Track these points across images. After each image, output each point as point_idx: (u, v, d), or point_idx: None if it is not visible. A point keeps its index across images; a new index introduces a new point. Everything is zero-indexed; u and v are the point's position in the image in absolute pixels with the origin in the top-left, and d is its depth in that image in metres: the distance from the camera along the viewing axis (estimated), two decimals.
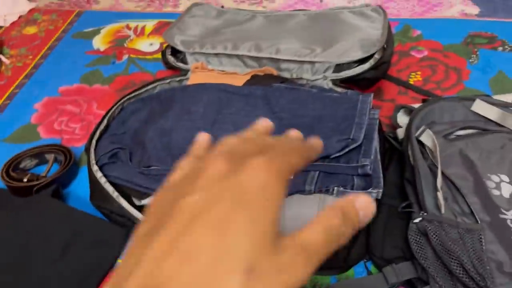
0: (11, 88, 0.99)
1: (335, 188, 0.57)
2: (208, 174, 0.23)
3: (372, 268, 0.62)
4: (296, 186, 0.59)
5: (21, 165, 0.79)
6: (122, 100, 0.79)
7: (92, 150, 0.69)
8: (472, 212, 0.57)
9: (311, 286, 0.61)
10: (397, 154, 0.72)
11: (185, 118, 0.70)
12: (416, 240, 0.57)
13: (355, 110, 0.64)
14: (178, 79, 0.85)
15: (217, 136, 0.66)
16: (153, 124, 0.71)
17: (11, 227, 0.67)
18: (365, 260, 0.63)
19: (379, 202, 0.63)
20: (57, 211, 0.68)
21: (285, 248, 0.21)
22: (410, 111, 0.76)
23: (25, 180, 0.74)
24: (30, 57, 1.08)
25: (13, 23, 1.22)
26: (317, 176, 0.59)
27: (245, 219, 0.20)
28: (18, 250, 0.64)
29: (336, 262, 0.60)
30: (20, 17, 1.25)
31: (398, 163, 0.71)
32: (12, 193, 0.74)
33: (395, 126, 0.78)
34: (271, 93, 0.70)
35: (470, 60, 0.93)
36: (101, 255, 0.65)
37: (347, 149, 0.59)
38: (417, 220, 0.57)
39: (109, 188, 0.65)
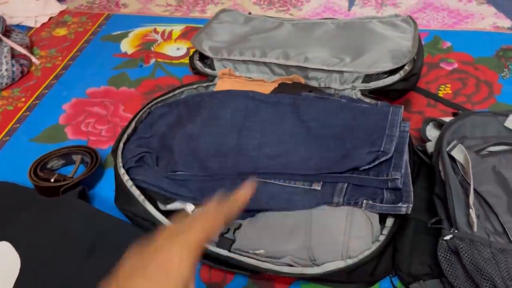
0: (40, 89, 1.01)
1: (364, 201, 0.56)
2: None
3: (398, 284, 0.61)
4: (324, 197, 0.58)
5: (49, 165, 0.80)
6: (150, 104, 0.79)
7: (119, 153, 0.70)
8: (505, 231, 0.55)
9: None
10: (426, 168, 0.71)
11: (213, 124, 0.70)
12: (446, 257, 0.55)
13: (385, 122, 0.63)
14: (205, 84, 0.85)
15: (243, 143, 0.67)
16: (180, 129, 0.72)
17: (38, 227, 0.67)
18: (391, 276, 0.61)
19: (406, 217, 0.62)
20: (83, 213, 0.68)
21: None
22: (439, 125, 0.75)
23: (52, 180, 0.75)
24: (60, 58, 1.10)
25: (43, 25, 1.24)
26: (346, 188, 0.58)
27: None
28: (44, 250, 0.65)
29: (362, 276, 0.59)
30: (50, 18, 1.27)
31: (427, 177, 0.69)
32: (39, 192, 0.75)
33: (424, 139, 0.77)
34: (299, 102, 0.70)
35: (502, 74, 0.91)
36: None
37: (377, 162, 0.58)
38: (447, 237, 0.55)
39: (135, 192, 0.65)
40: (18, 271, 0.62)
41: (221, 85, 0.84)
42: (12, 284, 0.61)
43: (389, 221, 0.58)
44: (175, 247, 0.34)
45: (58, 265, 0.63)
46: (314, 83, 0.81)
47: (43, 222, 0.68)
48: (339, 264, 0.55)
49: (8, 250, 0.64)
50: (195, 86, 0.85)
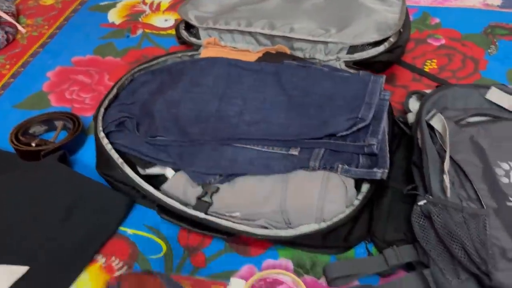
0: (25, 56, 1.00)
1: (340, 165, 0.57)
2: None
3: (373, 250, 0.61)
4: (301, 162, 0.58)
5: (31, 131, 0.79)
6: (133, 71, 0.79)
7: (100, 117, 0.70)
8: (478, 198, 0.55)
9: (310, 264, 0.61)
10: (406, 139, 0.71)
11: (194, 90, 0.70)
12: (419, 222, 0.56)
13: (365, 90, 0.63)
14: (190, 53, 0.85)
15: (224, 110, 0.67)
16: (161, 95, 0.71)
17: (18, 189, 0.67)
18: (367, 242, 0.62)
19: (384, 185, 0.63)
20: (63, 176, 0.69)
21: None
22: (422, 97, 0.75)
23: (33, 144, 0.75)
24: (46, 27, 1.09)
25: None
26: (323, 153, 0.58)
27: None
28: (23, 211, 0.65)
29: (336, 241, 0.59)
30: None
31: (407, 148, 0.69)
32: (20, 157, 0.75)
33: (406, 111, 0.77)
34: (282, 70, 0.69)
35: (489, 51, 0.91)
36: (104, 221, 0.65)
37: (355, 128, 0.59)
38: (421, 203, 0.56)
39: (114, 155, 0.65)
40: None
41: (205, 54, 0.83)
42: None
43: (365, 187, 0.59)
44: None
45: (37, 226, 0.64)
46: (299, 54, 0.81)
47: (23, 183, 0.68)
48: (313, 226, 0.56)
49: None
50: (179, 55, 0.84)
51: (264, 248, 0.63)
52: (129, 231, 0.66)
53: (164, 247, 0.64)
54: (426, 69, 0.88)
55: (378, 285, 0.57)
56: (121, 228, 0.66)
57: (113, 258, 0.63)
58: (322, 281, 0.59)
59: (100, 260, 0.63)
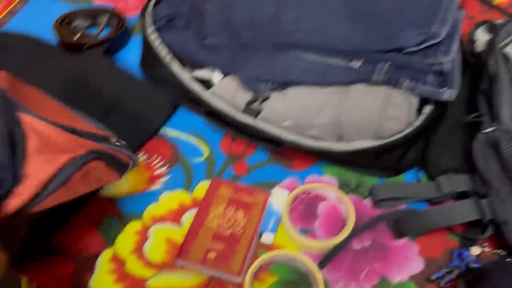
0: None
1: (406, 81, 0.53)
2: None
3: (423, 178, 0.59)
4: (362, 74, 0.54)
5: (74, 24, 0.76)
6: None
7: (148, 11, 0.66)
8: None
9: (356, 184, 0.59)
10: (469, 71, 0.66)
11: None
12: (482, 151, 0.53)
13: (439, 6, 0.57)
14: None
15: (281, 15, 0.62)
16: None
17: (60, 79, 0.65)
18: (418, 169, 0.59)
19: (443, 114, 0.59)
20: (107, 70, 0.66)
21: None
22: (492, 28, 0.69)
23: (76, 37, 0.72)
24: None
25: None
26: (387, 68, 0.54)
27: None
28: (64, 101, 0.63)
29: (388, 162, 0.56)
30: None
31: (470, 79, 0.65)
32: (62, 47, 0.72)
33: (473, 41, 0.71)
34: None
35: None
36: (146, 120, 0.64)
37: (425, 44, 0.54)
38: (488, 130, 0.52)
39: (162, 51, 0.62)
40: None
41: None
42: None
43: (427, 108, 0.55)
44: None
45: None
46: None
47: (66, 73, 0.66)
48: (368, 143, 0.53)
49: None
50: None
51: (309, 163, 0.61)
52: (172, 132, 0.64)
53: (207, 152, 0.62)
54: (495, 2, 0.81)
55: (429, 209, 0.54)
56: (164, 129, 0.65)
57: (154, 156, 0.62)
58: (367, 201, 0.57)
59: (142, 157, 0.62)
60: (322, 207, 0.57)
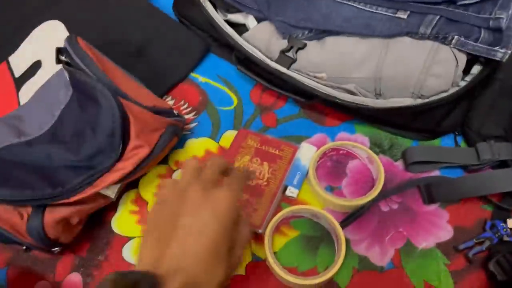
0: None
1: (456, 36, 0.48)
2: (193, 200, 0.36)
3: (462, 143, 0.55)
4: (409, 26, 0.50)
5: None
6: None
7: None
8: None
9: (389, 145, 0.56)
10: None
11: None
12: None
13: None
14: None
15: None
16: None
17: (92, 10, 0.64)
18: (456, 133, 0.56)
19: (492, 76, 0.54)
20: (140, 7, 0.64)
21: None
22: None
23: None
24: None
25: None
26: (437, 21, 0.50)
27: (213, 227, 0.34)
28: (95, 36, 0.61)
29: (427, 124, 0.53)
30: None
31: None
32: None
33: None
34: None
35: None
36: (177, 62, 0.62)
37: None
38: None
39: None
40: None
41: None
42: None
43: (476, 69, 0.51)
44: (222, 191, 0.36)
45: (109, 56, 0.61)
46: None
47: (98, 7, 0.64)
48: (407, 101, 0.50)
49: (60, 28, 0.62)
50: None
51: (341, 120, 0.58)
52: (201, 78, 0.62)
53: (235, 101, 0.60)
54: None
55: (466, 175, 0.51)
56: (193, 74, 0.63)
57: (182, 101, 0.60)
58: (399, 163, 0.55)
59: (170, 101, 0.60)
60: (351, 166, 0.55)
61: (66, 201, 0.42)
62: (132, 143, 0.44)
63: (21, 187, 0.42)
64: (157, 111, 0.48)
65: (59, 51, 0.46)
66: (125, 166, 0.44)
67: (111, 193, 0.47)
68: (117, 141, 0.43)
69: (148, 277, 0.30)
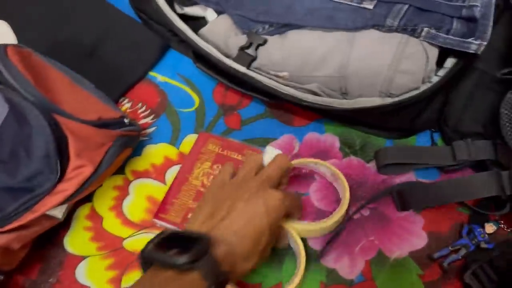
0: None
1: (425, 28, 0.44)
2: (251, 190, 0.40)
3: (439, 141, 0.52)
4: (375, 18, 0.46)
5: None
6: None
7: None
8: None
9: (360, 145, 0.52)
10: (508, 15, 0.56)
11: None
12: (509, 114, 0.45)
13: None
14: None
15: None
16: None
17: (42, 11, 0.59)
18: (433, 130, 0.52)
19: (469, 64, 0.50)
20: (92, 4, 0.60)
21: None
22: None
23: None
24: None
25: None
26: (405, 11, 0.45)
27: (262, 219, 0.38)
28: (44, 37, 0.57)
29: (399, 122, 0.49)
30: None
31: (508, 25, 0.55)
32: None
33: None
34: None
35: None
36: (133, 61, 0.57)
37: None
38: None
39: None
40: None
41: None
42: None
43: (450, 62, 0.46)
44: (277, 192, 0.40)
45: (62, 56, 0.56)
46: None
47: (47, 6, 0.59)
48: (375, 101, 0.46)
49: (5, 30, 0.57)
50: None
51: (310, 119, 0.54)
52: (160, 77, 0.58)
53: (197, 101, 0.56)
54: None
55: (441, 181, 0.48)
56: (151, 73, 0.58)
57: (140, 104, 0.56)
58: (371, 165, 0.51)
59: (126, 104, 0.56)
60: (317, 177, 0.51)
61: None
62: (73, 163, 0.40)
63: None
64: (103, 124, 0.44)
65: None
66: (67, 187, 0.40)
67: (58, 213, 0.44)
68: (54, 162, 0.39)
69: (202, 235, 0.35)
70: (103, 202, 0.50)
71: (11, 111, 0.42)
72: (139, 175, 0.52)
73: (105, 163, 0.42)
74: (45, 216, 0.42)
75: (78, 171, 0.40)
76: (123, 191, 0.51)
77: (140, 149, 0.53)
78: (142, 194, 0.51)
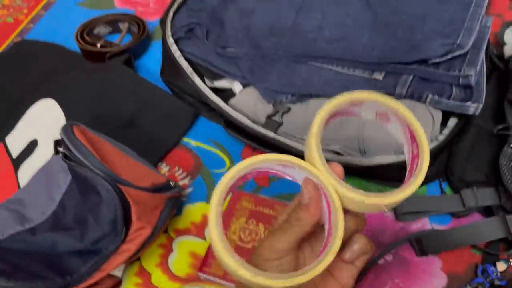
0: None
1: (430, 95, 0.51)
2: None
3: (447, 189, 0.58)
4: (385, 87, 0.53)
5: (95, 31, 0.77)
6: None
7: (168, 21, 0.66)
8: None
9: None
10: (497, 75, 0.64)
11: (269, 0, 0.64)
12: (508, 165, 0.51)
13: (466, 13, 0.56)
14: None
15: (301, 24, 0.61)
16: (233, 3, 0.66)
17: (84, 88, 0.66)
18: (441, 180, 0.58)
19: (469, 122, 0.57)
20: (129, 80, 0.67)
21: None
22: None
23: (98, 45, 0.73)
24: None
25: None
26: (411, 81, 0.53)
27: None
28: (88, 111, 0.64)
29: None
30: None
31: (498, 85, 0.63)
32: (85, 56, 0.73)
33: (501, 43, 0.69)
34: None
35: None
36: (168, 130, 0.64)
37: (450, 56, 0.52)
38: None
39: (183, 63, 0.62)
40: None
41: None
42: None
43: (452, 121, 0.54)
44: None
45: (100, 129, 0.63)
46: None
47: (89, 84, 0.67)
48: (391, 158, 0.52)
49: (53, 106, 0.64)
50: None
51: None
52: (193, 143, 0.65)
53: (228, 162, 0.63)
54: None
55: (453, 228, 0.54)
56: (185, 139, 0.65)
57: (176, 167, 0.63)
58: (389, 214, 0.57)
59: (164, 168, 0.63)
60: None
61: None
62: (135, 226, 0.46)
63: (30, 278, 0.44)
64: (156, 189, 0.50)
65: (57, 142, 0.48)
66: (130, 247, 0.46)
67: (118, 271, 0.49)
68: (120, 227, 0.45)
69: None
70: (150, 260, 0.55)
71: (73, 182, 0.48)
72: (180, 233, 0.57)
73: (160, 224, 0.48)
74: (108, 275, 0.47)
75: (139, 232, 0.46)
76: (168, 249, 0.56)
77: (180, 209, 0.59)
78: (185, 250, 0.56)
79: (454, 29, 0.55)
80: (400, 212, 0.55)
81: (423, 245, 0.52)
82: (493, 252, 0.51)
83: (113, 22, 0.77)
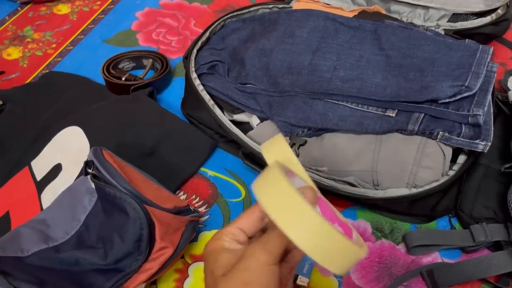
0: None
1: (440, 132, 0.54)
2: None
3: (456, 224, 0.60)
4: (398, 124, 0.56)
5: (120, 66, 0.81)
6: (224, 17, 0.78)
7: (192, 58, 0.70)
8: None
9: (389, 229, 0.60)
10: (502, 118, 0.67)
11: (287, 41, 0.69)
12: None
13: (473, 59, 0.59)
14: (281, 6, 0.83)
15: (317, 64, 0.65)
16: (253, 43, 0.71)
17: (108, 118, 0.70)
18: (451, 216, 0.60)
19: (476, 162, 0.60)
20: (152, 110, 0.70)
21: None
22: None
23: (123, 79, 0.77)
24: None
25: None
26: (422, 118, 0.56)
27: None
28: (112, 139, 0.67)
29: (422, 210, 0.58)
30: None
31: (503, 127, 0.66)
32: (110, 89, 0.77)
33: (505, 89, 0.73)
34: (382, 29, 0.67)
35: None
36: (187, 159, 0.67)
37: (459, 96, 0.56)
38: None
39: (206, 97, 0.66)
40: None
41: (297, 7, 0.81)
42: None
43: (461, 158, 0.56)
44: (254, 255, 0.34)
45: (124, 156, 0.66)
46: (396, 17, 0.77)
47: (113, 114, 0.70)
48: (403, 191, 0.55)
49: (79, 134, 0.67)
50: (270, 6, 0.82)
51: (343, 206, 0.62)
52: (210, 172, 0.67)
53: (243, 192, 0.65)
54: None
55: (463, 261, 0.55)
56: (202, 169, 0.68)
57: (194, 195, 0.65)
58: (401, 247, 0.58)
59: (182, 196, 0.65)
60: None
61: None
62: (158, 245, 0.47)
63: None
64: (178, 212, 0.52)
65: (87, 164, 0.51)
66: (152, 266, 0.47)
67: None
68: (144, 246, 0.46)
69: None
70: (166, 284, 0.56)
71: (98, 203, 0.51)
72: (196, 258, 0.59)
73: (181, 245, 0.50)
74: None
75: (161, 252, 0.48)
76: (183, 273, 0.57)
77: (197, 235, 0.61)
78: (200, 276, 0.57)
79: (462, 72, 0.58)
80: (410, 245, 0.56)
81: (434, 277, 0.53)
82: (503, 286, 0.52)
83: (137, 58, 0.82)
